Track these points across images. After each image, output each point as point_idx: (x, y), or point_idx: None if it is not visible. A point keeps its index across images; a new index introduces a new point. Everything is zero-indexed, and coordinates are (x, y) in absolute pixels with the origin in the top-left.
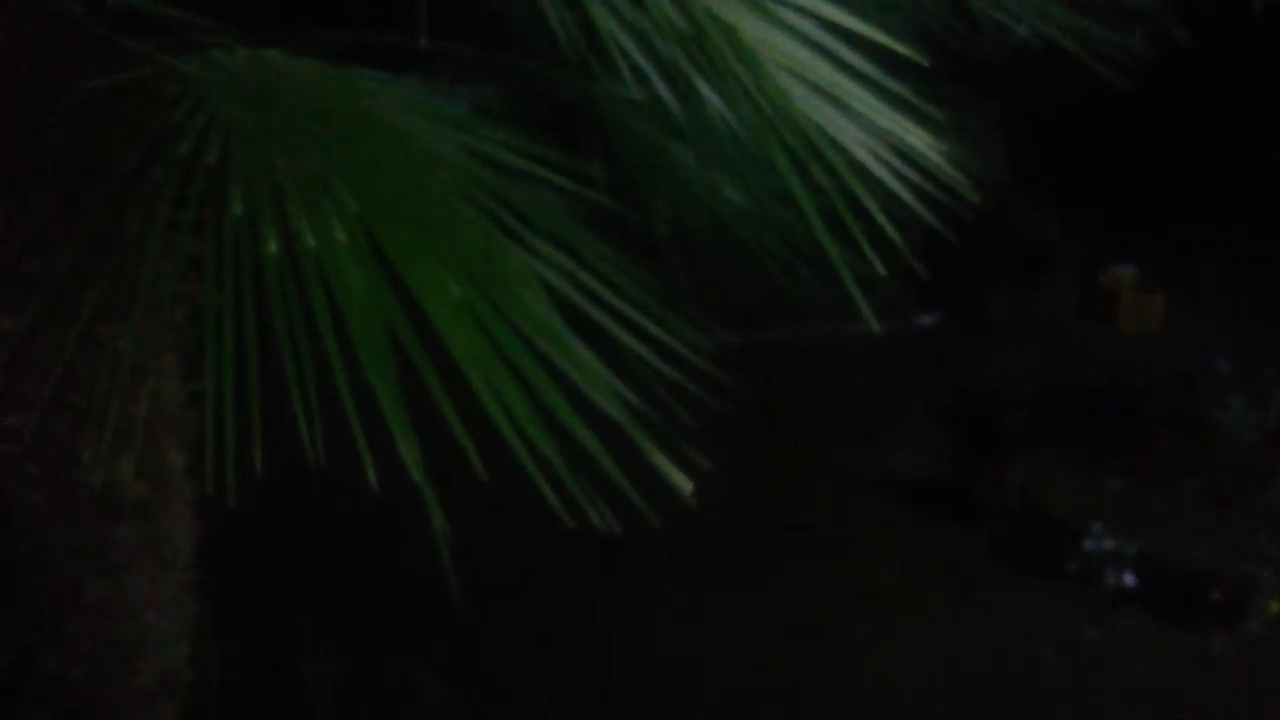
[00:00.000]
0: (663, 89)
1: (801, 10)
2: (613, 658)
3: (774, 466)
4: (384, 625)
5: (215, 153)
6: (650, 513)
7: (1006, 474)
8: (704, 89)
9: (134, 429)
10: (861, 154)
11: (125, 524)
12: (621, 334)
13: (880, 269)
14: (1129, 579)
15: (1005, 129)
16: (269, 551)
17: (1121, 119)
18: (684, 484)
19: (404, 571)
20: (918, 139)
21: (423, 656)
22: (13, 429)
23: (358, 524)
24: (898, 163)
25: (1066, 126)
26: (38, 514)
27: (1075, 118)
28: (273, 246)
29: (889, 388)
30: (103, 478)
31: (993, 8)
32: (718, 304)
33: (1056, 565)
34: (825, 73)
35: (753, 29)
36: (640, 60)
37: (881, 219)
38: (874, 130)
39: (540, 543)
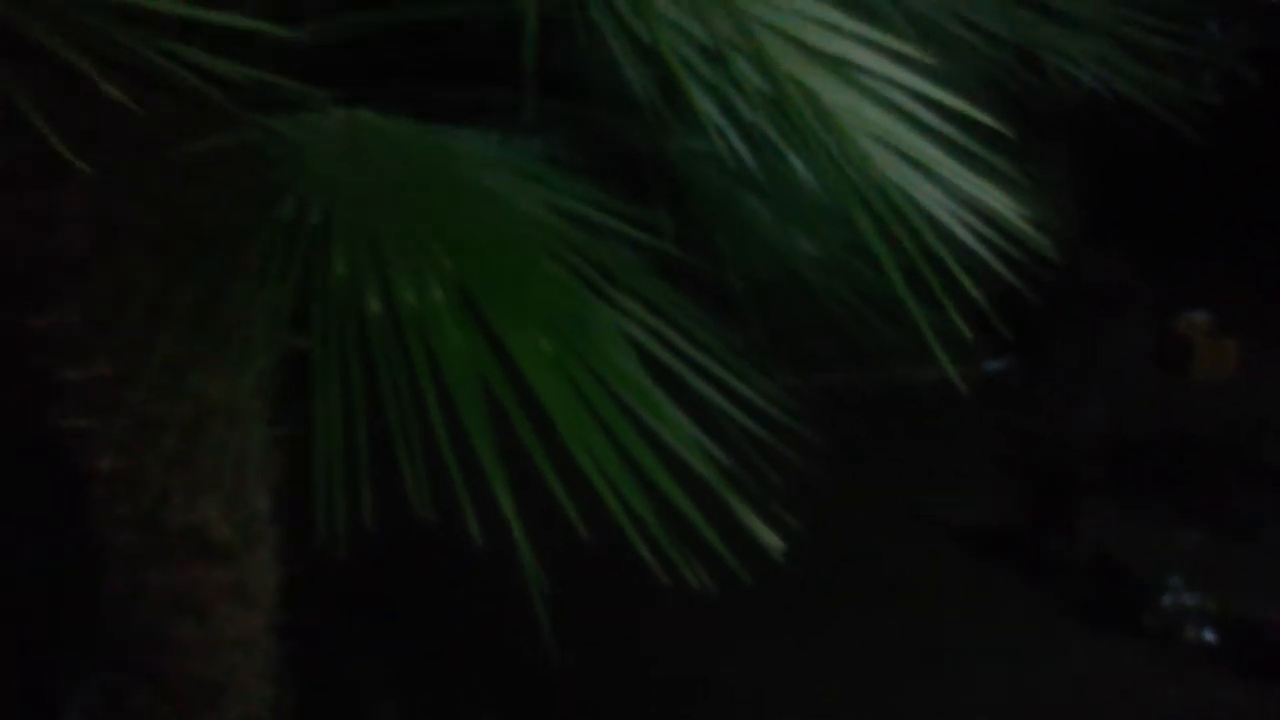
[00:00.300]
0: (739, 143)
1: (877, 75)
2: (681, 705)
3: (839, 514)
4: (464, 676)
5: (318, 214)
6: (743, 573)
7: (1078, 526)
8: (782, 146)
9: (222, 473)
10: (940, 213)
11: (212, 566)
12: (701, 386)
13: (954, 316)
14: (1209, 635)
15: (1074, 174)
16: (353, 597)
17: (1192, 162)
18: (775, 544)
19: (490, 623)
20: (994, 199)
21: (502, 710)
22: (107, 472)
23: (446, 574)
24: (973, 219)
25: (1136, 171)
26: (129, 555)
27: (1145, 162)
28: (375, 305)
29: (956, 435)
30: (190, 520)
31: (1059, 58)
32: (782, 346)
33: (1133, 621)
34: (903, 134)
35: (832, 92)
36: (717, 117)
37: (956, 270)
38: (950, 188)
39: (606, 589)
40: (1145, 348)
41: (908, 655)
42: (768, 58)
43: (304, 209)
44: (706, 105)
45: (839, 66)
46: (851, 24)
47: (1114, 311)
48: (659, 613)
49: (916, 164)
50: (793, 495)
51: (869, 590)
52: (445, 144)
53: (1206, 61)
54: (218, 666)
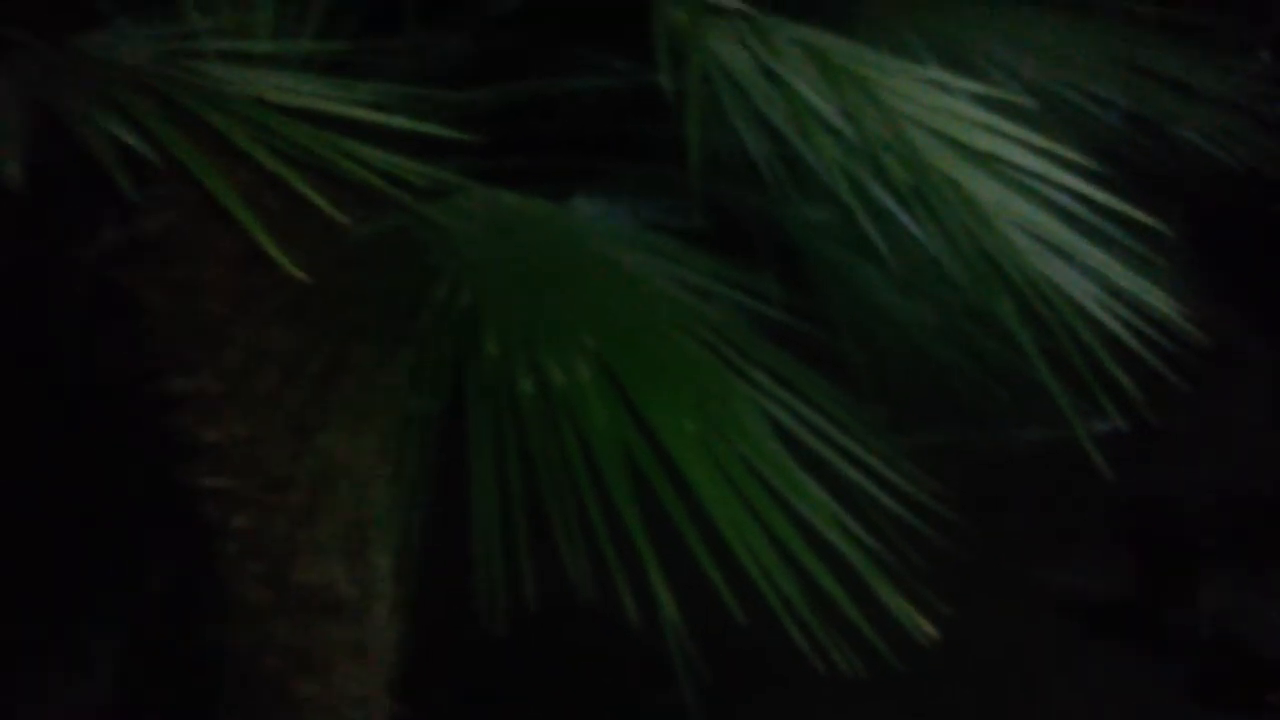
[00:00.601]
0: (865, 218)
1: (1021, 168)
2: None
3: (947, 580)
4: None
5: (467, 296)
6: (892, 658)
7: (1198, 597)
8: (918, 230)
9: (346, 532)
10: (1083, 298)
11: (335, 623)
12: (838, 461)
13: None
14: None
15: (1189, 232)
16: (469, 661)
17: None
18: (928, 630)
19: (625, 699)
20: (1138, 286)
21: None
22: (238, 529)
23: (579, 646)
24: (1114, 303)
25: (1254, 230)
26: (257, 611)
27: (1263, 222)
28: (528, 385)
29: (1066, 498)
30: (316, 577)
31: (1174, 124)
32: (890, 406)
33: (1260, 700)
34: (1046, 224)
35: (976, 183)
36: (846, 192)
37: (1096, 349)
38: (1088, 271)
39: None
40: (1264, 408)
41: None
42: (916, 154)
43: (455, 291)
44: (835, 179)
45: (986, 161)
46: (1000, 122)
47: (1231, 371)
48: (786, 686)
49: (1057, 250)
50: (913, 565)
51: (979, 663)
52: (579, 222)
53: None
54: None
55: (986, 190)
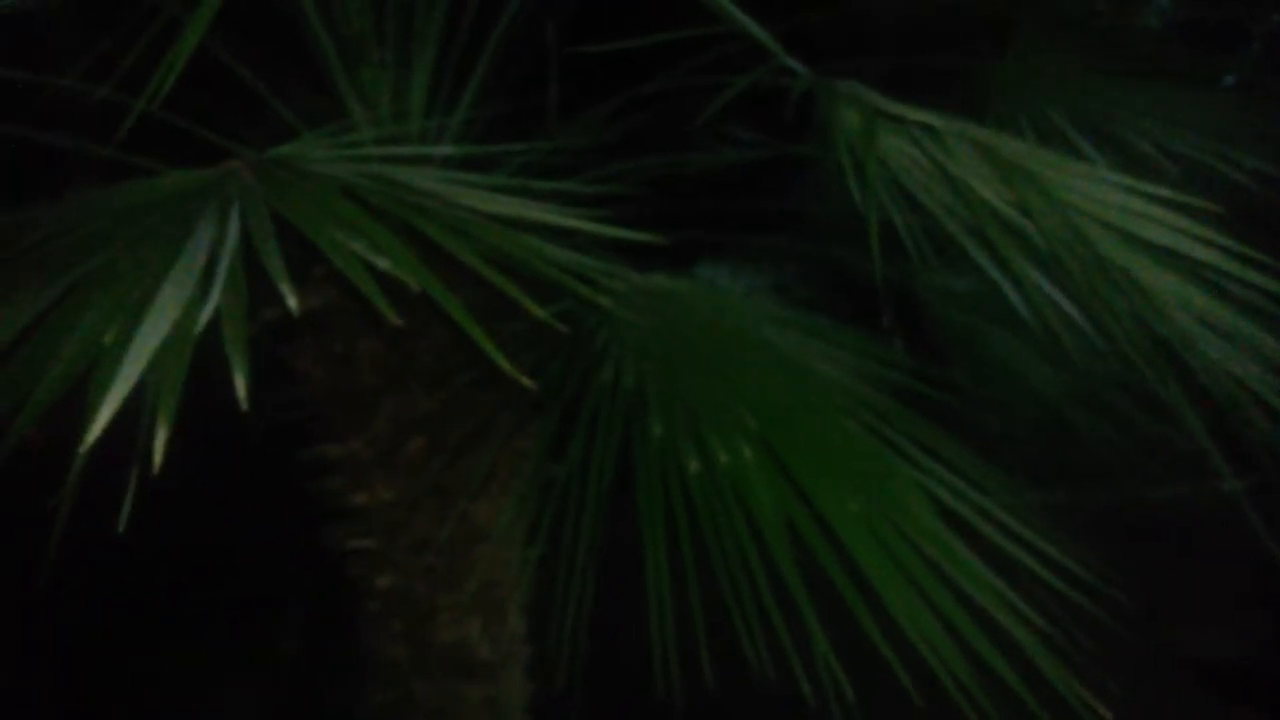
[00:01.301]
0: (1009, 290)
1: (1184, 255)
2: None
3: (1091, 647)
4: None
5: (631, 379)
6: None
7: None
8: (1050, 290)
9: (484, 593)
10: (1242, 372)
11: (472, 681)
12: (994, 535)
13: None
14: None
15: None
16: None
17: None
18: (1104, 714)
19: None
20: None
21: None
22: (383, 588)
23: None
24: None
25: None
26: (399, 668)
27: None
28: (694, 465)
29: (1199, 559)
30: (455, 636)
31: None
32: (1008, 462)
33: None
34: (1212, 308)
35: (1141, 268)
36: (986, 263)
37: (1253, 414)
38: (1244, 337)
39: None
40: None
41: None
42: (1091, 246)
43: (620, 373)
44: (973, 248)
45: (1159, 254)
46: (1171, 216)
47: None
48: None
49: (1223, 332)
50: (1071, 639)
51: None
52: (728, 302)
53: None
54: None
55: (1160, 281)
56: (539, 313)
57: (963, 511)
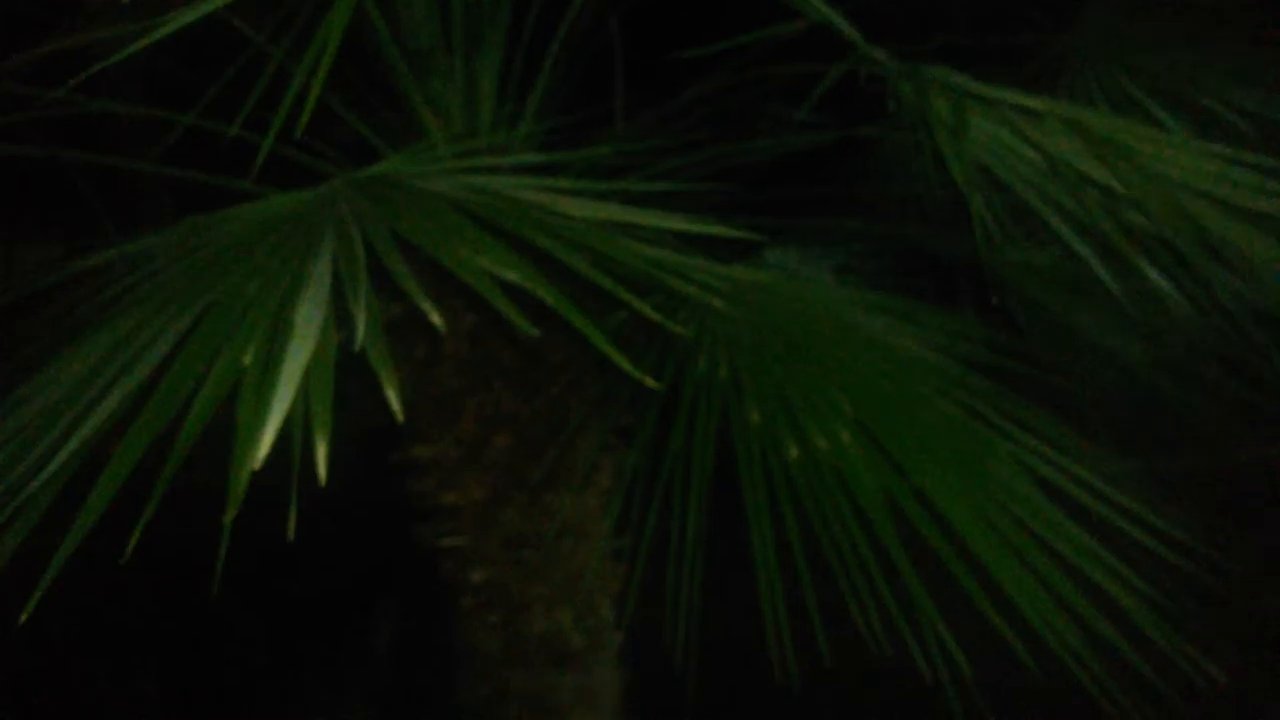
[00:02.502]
0: (1095, 264)
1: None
2: None
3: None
4: None
5: (725, 370)
6: (1180, 704)
7: None
8: (1142, 263)
9: (574, 584)
10: None
11: (566, 671)
12: (1097, 506)
13: None
14: None
15: None
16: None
17: None
18: (1219, 677)
19: None
20: None
21: None
22: (475, 584)
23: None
24: None
25: None
26: (495, 660)
27: None
28: (794, 451)
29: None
30: (548, 628)
31: None
32: (1097, 433)
33: None
34: None
35: (1237, 235)
36: (1075, 240)
37: None
38: None
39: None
40: None
41: None
42: (1188, 215)
43: (714, 364)
44: (1060, 225)
45: (1256, 220)
46: (1261, 179)
47: None
48: None
49: None
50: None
51: (1213, 698)
52: (809, 289)
53: None
54: None
55: (1259, 249)
56: (648, 311)
57: (1061, 482)
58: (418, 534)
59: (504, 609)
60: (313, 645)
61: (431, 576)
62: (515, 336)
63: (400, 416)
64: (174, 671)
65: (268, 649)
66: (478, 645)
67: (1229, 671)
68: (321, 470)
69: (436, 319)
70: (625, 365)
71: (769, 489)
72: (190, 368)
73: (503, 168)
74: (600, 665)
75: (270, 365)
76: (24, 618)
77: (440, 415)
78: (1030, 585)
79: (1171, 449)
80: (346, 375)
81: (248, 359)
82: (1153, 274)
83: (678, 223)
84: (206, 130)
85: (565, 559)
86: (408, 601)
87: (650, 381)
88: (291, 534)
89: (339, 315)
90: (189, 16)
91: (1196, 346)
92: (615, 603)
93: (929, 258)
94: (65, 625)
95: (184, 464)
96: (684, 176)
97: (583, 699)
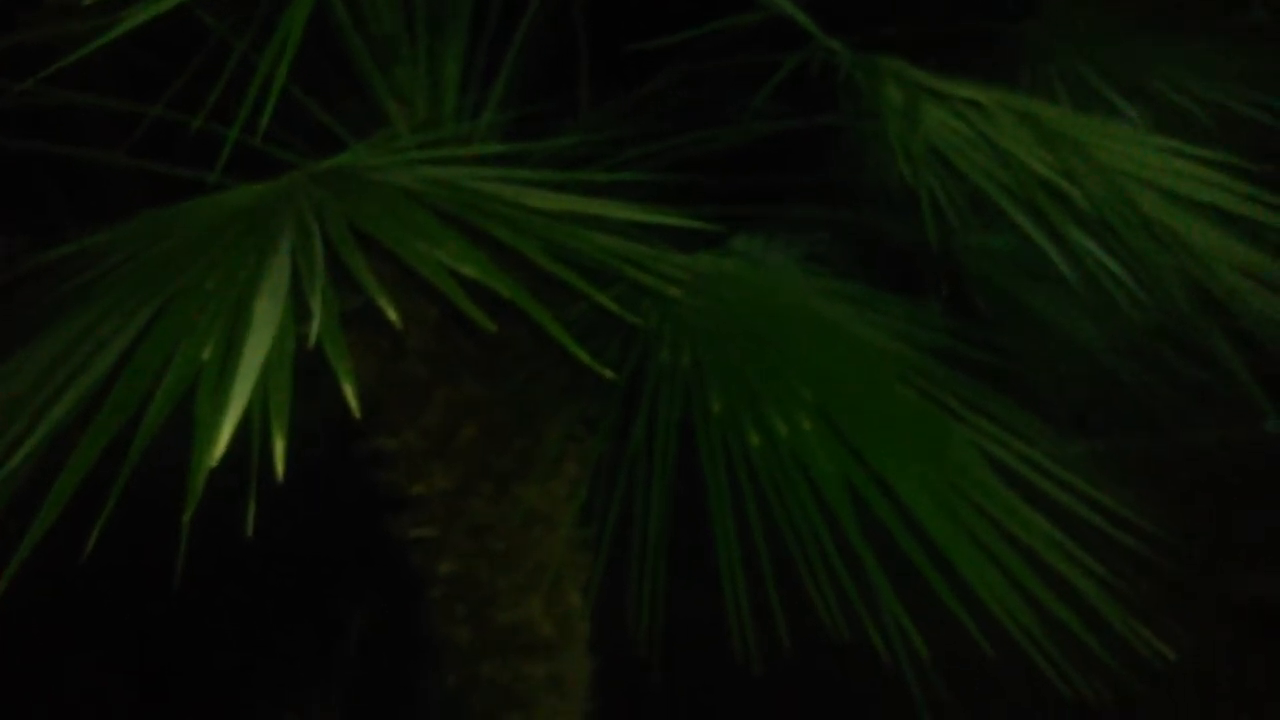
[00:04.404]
0: (1050, 249)
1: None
2: None
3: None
4: None
5: (687, 358)
6: (1131, 679)
7: None
8: (1093, 248)
9: (542, 573)
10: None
11: (536, 660)
12: (1051, 488)
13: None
14: None
15: None
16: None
17: None
18: (1167, 653)
19: None
20: None
21: None
22: (444, 574)
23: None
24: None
25: None
26: (464, 650)
27: None
28: (755, 438)
29: (1244, 502)
30: (517, 617)
31: None
32: (1063, 414)
33: None
34: (1254, 258)
35: (1184, 226)
36: (1029, 226)
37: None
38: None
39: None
40: None
41: None
42: (1136, 207)
43: (677, 353)
44: (1014, 211)
45: (1202, 211)
46: (1212, 174)
47: None
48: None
49: (1264, 281)
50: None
51: (1165, 677)
52: (773, 278)
53: None
54: None
55: (1203, 236)
56: (607, 302)
57: (1017, 466)
58: (387, 525)
59: (473, 599)
60: (284, 637)
61: (401, 567)
62: (479, 328)
63: (357, 410)
64: (144, 665)
65: (238, 642)
66: (447, 635)
67: (1183, 650)
68: (279, 464)
69: (393, 314)
70: (584, 357)
71: (730, 475)
72: (150, 362)
73: (465, 158)
74: (569, 653)
75: (229, 360)
76: None
77: (406, 406)
78: (985, 568)
79: (1129, 431)
80: (315, 367)
81: (206, 354)
82: (1104, 258)
83: (637, 213)
84: (171, 122)
85: (533, 548)
86: (378, 593)
87: (608, 373)
88: (250, 530)
89: (301, 309)
90: (155, 9)
91: (1151, 330)
92: (584, 591)
93: (893, 245)
94: (30, 621)
95: (147, 457)
96: (647, 167)
97: (552, 687)
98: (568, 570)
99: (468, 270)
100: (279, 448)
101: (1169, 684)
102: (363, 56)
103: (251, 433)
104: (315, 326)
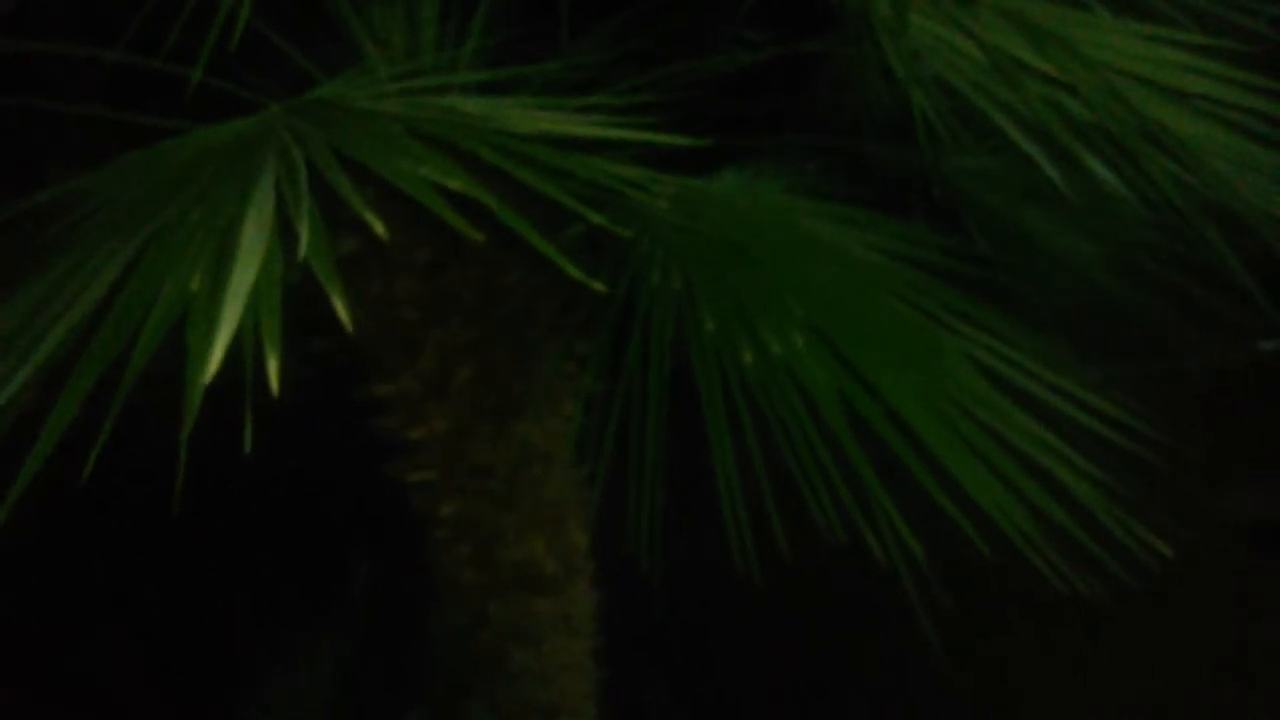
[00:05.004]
0: (1045, 164)
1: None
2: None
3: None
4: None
5: (679, 280)
6: (1128, 578)
7: None
8: (1098, 168)
9: (544, 511)
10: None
11: (542, 597)
12: (1044, 394)
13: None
14: None
15: None
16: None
17: None
18: (1165, 551)
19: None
20: None
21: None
22: (446, 516)
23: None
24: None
25: None
26: (469, 590)
27: None
28: (749, 356)
29: (1236, 421)
30: (521, 555)
31: None
32: (1051, 335)
33: None
34: (1246, 149)
35: (1175, 119)
36: (1023, 138)
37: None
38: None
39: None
40: None
41: (1203, 667)
42: (1127, 103)
43: (667, 275)
44: (1007, 125)
45: (1193, 102)
46: (1203, 63)
47: None
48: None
49: (1256, 170)
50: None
51: (1156, 594)
52: (767, 200)
53: None
54: (551, 692)
55: (1195, 128)
56: (599, 219)
57: (1010, 374)
58: (386, 470)
59: (476, 539)
60: (289, 586)
61: (404, 511)
62: (471, 267)
63: (349, 325)
64: (146, 609)
65: (244, 589)
66: (453, 576)
67: (1178, 557)
68: (274, 383)
69: (380, 227)
70: (575, 272)
71: (725, 394)
72: (138, 296)
73: (447, 87)
74: (574, 589)
75: (217, 288)
76: None
77: (401, 351)
78: (978, 470)
79: (1126, 354)
80: (308, 316)
81: (195, 284)
82: (1099, 168)
83: (624, 133)
84: (142, 69)
85: (534, 486)
86: (382, 538)
87: (599, 285)
88: (249, 447)
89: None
90: None
91: (1150, 246)
92: (586, 526)
93: (883, 171)
94: (27, 563)
95: (141, 394)
96: (631, 95)
97: (559, 623)
98: (569, 507)
99: (453, 184)
100: (272, 367)
101: (1164, 587)
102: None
103: (245, 357)
104: (303, 246)
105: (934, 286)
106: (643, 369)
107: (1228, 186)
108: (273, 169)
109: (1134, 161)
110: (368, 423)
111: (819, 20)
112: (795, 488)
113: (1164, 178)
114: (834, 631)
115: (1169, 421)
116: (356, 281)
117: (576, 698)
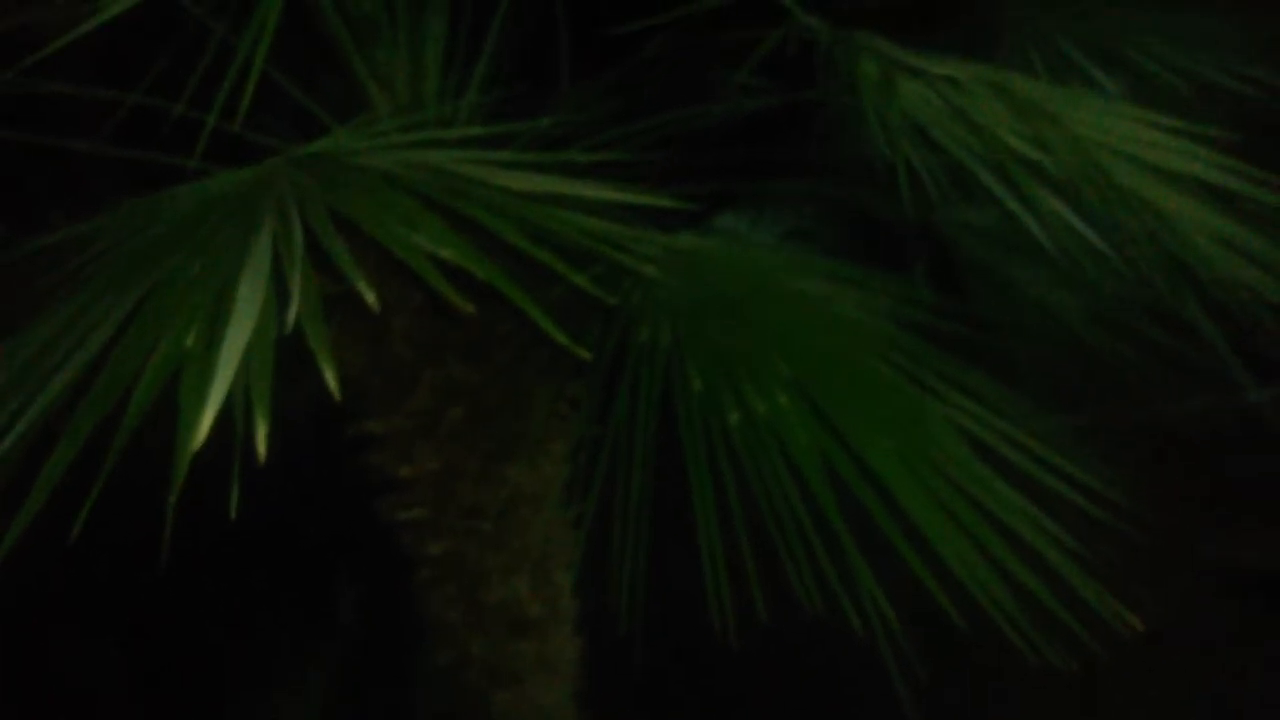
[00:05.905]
0: (1029, 221)
1: (1199, 180)
2: None
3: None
4: None
5: (667, 337)
6: (1101, 652)
7: None
8: (1069, 217)
9: (530, 553)
10: (1253, 281)
11: (525, 639)
12: (1024, 462)
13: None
14: None
15: None
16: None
17: None
18: (1136, 625)
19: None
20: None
21: None
22: (434, 555)
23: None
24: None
25: None
26: (455, 630)
27: None
28: (734, 415)
29: (1226, 472)
30: (505, 596)
31: None
32: (1045, 387)
33: None
34: (1226, 227)
35: (1158, 195)
36: (1008, 196)
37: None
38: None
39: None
40: None
41: (1183, 708)
42: (1109, 177)
43: (657, 332)
44: (993, 183)
45: (1175, 181)
46: (1186, 145)
47: None
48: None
49: (1237, 249)
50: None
51: (1152, 647)
52: (756, 256)
53: None
54: None
55: (1176, 205)
56: (584, 283)
57: (992, 441)
58: (375, 508)
59: (462, 579)
60: (275, 621)
61: (391, 549)
62: (474, 317)
63: (338, 394)
64: (134, 649)
65: (230, 627)
66: (438, 615)
67: (1162, 617)
68: (261, 449)
69: (371, 298)
70: (561, 339)
71: (710, 452)
72: (134, 351)
73: (447, 141)
74: (558, 632)
75: (212, 346)
76: None
77: (393, 390)
78: (956, 540)
79: (1108, 403)
80: (304, 355)
81: (190, 340)
82: (1081, 228)
83: (615, 194)
84: (153, 109)
85: (521, 528)
86: (368, 575)
87: (584, 353)
88: (233, 514)
89: (284, 296)
90: None
91: (1128, 302)
92: (570, 570)
93: (877, 221)
94: (22, 607)
95: (134, 444)
96: (628, 146)
97: (542, 665)
98: (555, 550)
99: (446, 253)
100: (261, 431)
101: (1141, 651)
102: (343, 38)
103: (235, 418)
104: (292, 311)
105: (921, 349)
106: (630, 422)
107: (1203, 258)
108: (270, 227)
109: (1115, 229)
110: (358, 459)
111: (812, 71)
112: (774, 547)
113: (1143, 243)
114: (819, 676)
115: (1156, 474)
116: (351, 318)
117: None
